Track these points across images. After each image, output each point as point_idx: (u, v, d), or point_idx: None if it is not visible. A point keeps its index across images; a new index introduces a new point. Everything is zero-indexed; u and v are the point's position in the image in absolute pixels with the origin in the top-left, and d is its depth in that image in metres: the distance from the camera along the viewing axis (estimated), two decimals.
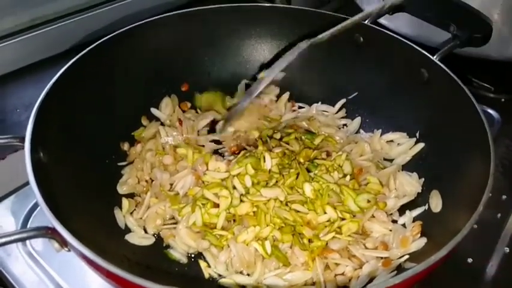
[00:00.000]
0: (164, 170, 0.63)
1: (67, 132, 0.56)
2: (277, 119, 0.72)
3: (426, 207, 0.57)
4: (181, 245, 0.55)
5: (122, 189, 0.61)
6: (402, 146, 0.65)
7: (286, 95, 0.75)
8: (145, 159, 0.64)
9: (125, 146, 0.65)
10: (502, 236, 0.60)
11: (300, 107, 0.74)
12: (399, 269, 0.50)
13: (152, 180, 0.62)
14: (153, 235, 0.57)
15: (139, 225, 0.57)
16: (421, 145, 0.63)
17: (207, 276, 0.53)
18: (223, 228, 0.56)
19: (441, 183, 0.57)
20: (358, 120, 0.71)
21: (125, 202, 0.59)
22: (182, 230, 0.55)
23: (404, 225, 0.57)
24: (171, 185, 0.62)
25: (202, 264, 0.54)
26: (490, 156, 0.48)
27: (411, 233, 0.53)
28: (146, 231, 0.57)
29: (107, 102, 0.63)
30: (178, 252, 0.55)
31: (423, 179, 0.60)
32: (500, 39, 0.71)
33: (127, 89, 0.66)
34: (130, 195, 0.61)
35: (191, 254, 0.56)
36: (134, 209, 0.59)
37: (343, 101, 0.72)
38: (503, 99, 0.81)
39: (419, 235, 0.53)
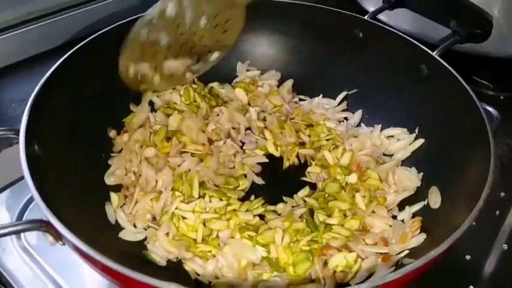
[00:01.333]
0: (150, 164, 0.60)
1: (62, 126, 0.56)
2: (278, 105, 0.70)
3: (425, 202, 0.57)
4: (161, 250, 0.52)
5: (109, 180, 0.59)
6: (402, 141, 0.64)
7: (290, 82, 0.73)
8: (133, 150, 0.61)
9: (112, 133, 0.63)
10: (500, 233, 0.59)
11: (300, 99, 0.73)
12: (398, 264, 0.50)
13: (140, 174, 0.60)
14: (145, 229, 0.55)
15: (129, 220, 0.55)
16: (421, 141, 0.63)
17: (193, 277, 0.51)
18: (204, 239, 0.53)
19: (440, 179, 0.57)
20: (359, 113, 0.70)
21: (114, 197, 0.57)
22: (162, 237, 0.52)
23: (403, 221, 0.56)
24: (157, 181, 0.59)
25: (188, 268, 0.51)
26: (490, 152, 0.48)
27: (410, 229, 0.53)
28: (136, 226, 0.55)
29: (102, 96, 0.63)
30: (158, 256, 0.52)
31: (422, 173, 0.60)
32: (500, 36, 0.71)
33: (122, 82, 0.65)
34: (119, 187, 0.59)
35: (173, 259, 0.52)
36: (124, 204, 0.57)
37: (344, 93, 0.72)
38: (502, 97, 0.81)
39: (419, 231, 0.53)
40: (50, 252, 0.54)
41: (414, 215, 0.56)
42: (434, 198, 0.56)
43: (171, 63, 0.58)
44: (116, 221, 0.55)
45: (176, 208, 0.55)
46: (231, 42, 0.60)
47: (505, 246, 0.58)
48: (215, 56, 0.61)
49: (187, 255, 0.51)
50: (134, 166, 0.60)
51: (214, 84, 0.73)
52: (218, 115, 0.67)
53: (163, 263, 0.52)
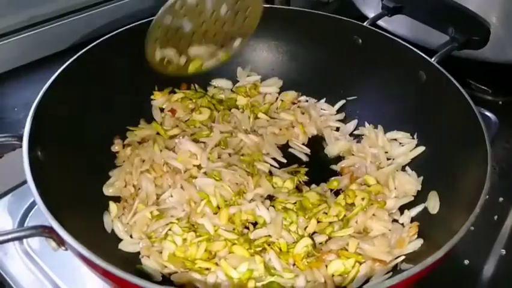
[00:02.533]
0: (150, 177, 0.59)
1: (65, 132, 0.56)
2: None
3: (425, 205, 0.57)
4: (156, 265, 0.51)
5: (108, 190, 0.58)
6: (403, 147, 0.65)
7: (293, 93, 0.74)
8: (134, 163, 0.61)
9: (116, 147, 0.63)
10: (499, 238, 0.60)
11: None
12: (396, 270, 0.50)
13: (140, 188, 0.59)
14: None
15: (125, 231, 0.54)
16: (421, 148, 0.63)
17: None
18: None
19: (439, 184, 0.57)
20: (354, 123, 0.71)
21: (113, 206, 0.56)
22: (157, 254, 0.52)
23: (403, 224, 0.57)
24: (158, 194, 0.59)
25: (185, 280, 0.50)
26: (487, 158, 0.48)
27: (407, 234, 0.53)
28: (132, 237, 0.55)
29: (106, 102, 0.63)
30: (153, 271, 0.51)
31: (422, 177, 0.60)
32: (498, 42, 0.72)
33: (126, 88, 0.66)
34: (118, 198, 0.59)
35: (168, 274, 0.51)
36: (123, 214, 0.57)
37: (342, 102, 0.72)
38: (500, 102, 0.81)
39: (416, 236, 0.53)
40: (52, 256, 0.54)
41: (413, 220, 0.57)
42: (433, 204, 0.56)
43: (196, 49, 0.60)
44: (109, 231, 0.54)
45: (170, 230, 0.54)
46: (252, 29, 0.62)
47: (503, 251, 0.58)
48: (237, 42, 0.62)
49: (184, 278, 0.50)
50: (134, 180, 0.60)
51: (215, 90, 0.74)
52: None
53: (158, 278, 0.50)
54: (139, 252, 0.53)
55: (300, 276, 0.50)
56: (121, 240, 0.54)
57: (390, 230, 0.55)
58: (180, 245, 0.52)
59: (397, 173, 0.62)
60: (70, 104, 0.58)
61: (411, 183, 0.60)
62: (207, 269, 0.51)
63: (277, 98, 0.74)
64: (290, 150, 0.68)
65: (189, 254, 0.52)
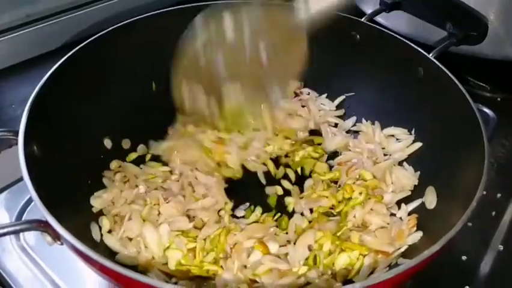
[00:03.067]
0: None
1: (61, 127, 0.56)
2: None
3: (423, 199, 0.57)
4: (158, 273, 0.49)
5: (95, 202, 0.55)
6: (400, 143, 0.65)
7: (294, 83, 0.71)
8: (123, 191, 0.58)
9: (113, 165, 0.61)
10: (496, 234, 0.60)
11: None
12: (392, 264, 0.50)
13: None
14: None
15: (121, 245, 0.52)
16: (418, 144, 0.63)
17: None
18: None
19: (436, 179, 0.57)
20: (352, 120, 0.71)
21: (105, 221, 0.54)
22: (159, 266, 0.50)
23: (401, 218, 0.57)
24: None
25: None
26: (484, 154, 0.48)
27: (406, 226, 0.53)
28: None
29: (102, 98, 0.63)
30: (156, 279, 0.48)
31: (419, 172, 0.61)
32: (495, 38, 0.72)
33: (122, 84, 0.65)
34: None
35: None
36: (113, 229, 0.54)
37: (342, 97, 0.72)
38: (499, 98, 0.81)
39: (415, 228, 0.53)
40: (48, 252, 0.54)
41: (410, 214, 0.57)
42: (430, 199, 0.56)
43: (229, 87, 0.48)
44: (97, 240, 0.52)
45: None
46: (297, 70, 0.51)
47: (501, 247, 0.58)
48: (277, 93, 0.52)
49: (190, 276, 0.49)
50: (122, 200, 0.56)
51: None
52: None
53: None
54: None
55: (312, 269, 0.50)
56: (115, 259, 0.51)
57: (388, 224, 0.55)
58: (186, 253, 0.51)
59: (394, 168, 0.62)
60: (66, 100, 0.58)
61: (408, 177, 0.60)
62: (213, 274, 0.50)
63: None
64: None
65: (196, 261, 0.50)
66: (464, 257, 0.57)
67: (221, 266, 0.50)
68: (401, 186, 0.60)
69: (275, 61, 0.49)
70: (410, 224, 0.54)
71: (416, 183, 0.60)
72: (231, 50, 0.47)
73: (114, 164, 0.62)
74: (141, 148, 0.66)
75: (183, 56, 0.48)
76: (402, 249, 0.51)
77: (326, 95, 0.74)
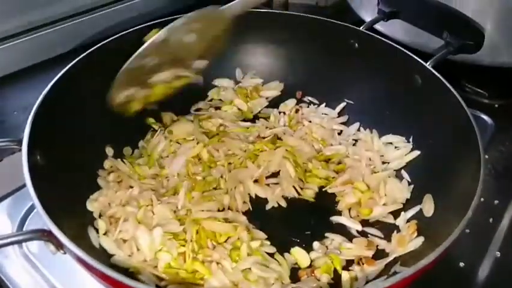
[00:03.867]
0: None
1: (65, 136, 0.56)
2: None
3: (420, 206, 0.58)
4: (150, 276, 0.50)
5: (91, 206, 0.56)
6: (398, 151, 0.65)
7: (292, 101, 0.74)
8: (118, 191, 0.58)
9: (107, 165, 0.62)
10: (494, 241, 0.60)
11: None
12: (390, 274, 0.50)
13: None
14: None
15: (117, 246, 0.52)
16: (416, 153, 0.64)
17: None
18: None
19: (433, 187, 0.58)
20: (356, 126, 0.71)
21: (101, 223, 0.54)
22: (150, 269, 0.50)
23: (398, 228, 0.58)
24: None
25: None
26: (480, 162, 0.49)
27: (407, 232, 0.54)
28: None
29: (106, 106, 0.63)
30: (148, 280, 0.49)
31: (412, 186, 0.61)
32: (492, 47, 0.72)
33: None
34: None
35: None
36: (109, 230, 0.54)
37: (343, 104, 0.73)
38: (496, 105, 0.82)
39: (416, 234, 0.54)
40: (51, 260, 0.53)
41: (409, 221, 0.57)
42: (427, 207, 0.57)
43: (158, 76, 0.58)
44: (97, 246, 0.52)
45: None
46: (217, 52, 0.61)
47: (498, 254, 0.58)
48: (202, 63, 0.61)
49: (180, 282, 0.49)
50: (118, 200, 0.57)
51: (215, 91, 0.75)
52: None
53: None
54: None
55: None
56: (110, 261, 0.52)
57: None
58: (175, 256, 0.52)
59: (389, 180, 0.63)
60: (70, 108, 0.58)
61: (401, 190, 0.61)
62: (201, 278, 0.50)
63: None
64: None
65: (186, 266, 0.51)
66: (461, 264, 0.57)
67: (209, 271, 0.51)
68: (394, 198, 0.60)
69: (199, 45, 0.58)
70: (410, 230, 0.54)
71: (408, 197, 0.60)
72: (160, 49, 0.56)
73: (108, 164, 0.62)
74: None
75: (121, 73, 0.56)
76: (391, 258, 0.52)
77: (324, 104, 0.74)
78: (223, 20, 0.57)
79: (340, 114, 0.73)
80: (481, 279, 0.56)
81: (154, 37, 0.55)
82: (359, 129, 0.71)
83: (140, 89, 0.58)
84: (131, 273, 0.38)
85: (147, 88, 0.58)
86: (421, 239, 0.52)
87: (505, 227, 0.62)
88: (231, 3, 0.58)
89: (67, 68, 0.58)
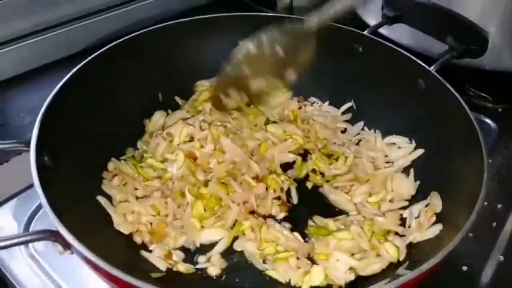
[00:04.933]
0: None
1: (72, 137, 0.57)
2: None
3: (427, 201, 0.58)
4: (162, 251, 0.54)
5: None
6: (403, 150, 0.66)
7: (294, 102, 0.74)
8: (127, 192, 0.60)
9: (110, 166, 0.62)
10: (497, 245, 0.60)
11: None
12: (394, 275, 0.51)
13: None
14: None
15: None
16: (421, 151, 0.64)
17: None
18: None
19: (438, 190, 0.58)
20: (360, 125, 0.72)
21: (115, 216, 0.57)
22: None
23: (405, 221, 0.58)
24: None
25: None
26: (483, 166, 0.49)
27: (425, 217, 0.54)
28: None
29: (113, 108, 0.64)
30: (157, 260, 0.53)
31: (418, 182, 0.62)
32: (496, 51, 0.72)
33: (135, 94, 0.67)
34: None
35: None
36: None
37: (349, 104, 0.73)
38: (500, 109, 0.81)
39: (434, 218, 0.54)
40: (57, 260, 0.54)
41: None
42: (435, 202, 0.57)
43: (257, 82, 0.64)
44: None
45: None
46: (306, 64, 0.65)
47: (502, 258, 0.59)
48: (293, 77, 0.65)
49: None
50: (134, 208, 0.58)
51: None
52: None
53: (163, 268, 0.52)
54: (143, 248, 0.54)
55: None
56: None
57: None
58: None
59: (395, 175, 0.63)
60: (78, 110, 0.59)
61: (407, 186, 0.61)
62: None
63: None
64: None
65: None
66: (464, 267, 0.57)
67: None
68: (400, 194, 0.61)
69: (290, 58, 0.63)
70: (428, 214, 0.55)
71: (414, 193, 0.61)
72: (258, 62, 0.62)
73: (111, 166, 0.62)
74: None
75: (228, 69, 0.62)
76: (409, 240, 0.53)
77: (328, 102, 0.75)
78: (305, 36, 0.61)
79: (344, 113, 0.74)
80: (484, 283, 0.56)
81: (245, 48, 0.62)
82: (363, 129, 0.71)
83: (237, 93, 0.64)
84: (139, 273, 0.38)
85: (244, 93, 0.64)
86: (439, 227, 0.52)
87: (508, 231, 0.62)
88: (310, 18, 0.61)
89: (76, 69, 0.59)
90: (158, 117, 0.70)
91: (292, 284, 0.52)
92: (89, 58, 0.61)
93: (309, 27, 0.60)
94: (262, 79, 0.63)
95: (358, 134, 0.71)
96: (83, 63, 0.60)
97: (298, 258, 0.53)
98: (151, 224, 0.57)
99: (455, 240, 0.42)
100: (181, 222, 0.57)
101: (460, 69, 0.73)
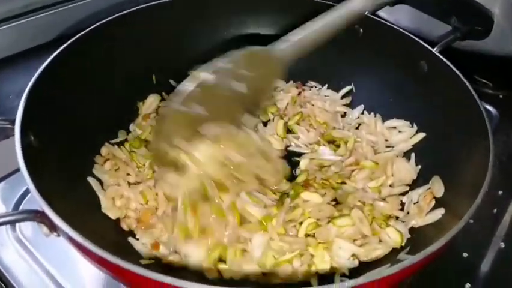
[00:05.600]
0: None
1: (58, 117, 0.55)
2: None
3: (429, 185, 0.57)
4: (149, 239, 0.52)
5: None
6: (404, 134, 0.65)
7: (292, 86, 0.72)
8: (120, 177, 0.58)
9: (104, 151, 0.61)
10: (498, 231, 0.60)
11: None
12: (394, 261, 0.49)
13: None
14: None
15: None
16: (422, 134, 0.63)
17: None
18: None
19: (440, 175, 0.56)
20: (360, 108, 0.70)
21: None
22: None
23: (403, 206, 0.57)
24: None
25: None
26: (489, 149, 0.48)
27: (424, 202, 0.53)
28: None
29: (98, 89, 0.62)
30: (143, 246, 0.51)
31: (419, 167, 0.60)
32: (501, 34, 0.71)
33: (120, 75, 0.65)
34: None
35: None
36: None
37: (348, 88, 0.72)
38: (501, 96, 0.81)
39: (434, 202, 0.53)
40: (45, 244, 0.54)
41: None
42: (437, 187, 0.55)
43: (207, 128, 0.52)
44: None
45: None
46: (264, 104, 0.60)
47: (502, 244, 0.58)
48: (253, 121, 0.56)
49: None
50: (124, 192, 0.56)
51: None
52: None
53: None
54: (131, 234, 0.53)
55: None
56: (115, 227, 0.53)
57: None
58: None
59: (396, 159, 0.62)
60: (63, 90, 0.57)
61: (408, 170, 0.60)
62: None
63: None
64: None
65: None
66: (465, 254, 0.57)
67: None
68: (400, 179, 0.60)
69: (249, 92, 0.54)
70: (427, 199, 0.54)
71: (415, 178, 0.59)
72: (211, 96, 0.52)
73: (105, 150, 0.61)
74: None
75: (165, 116, 0.53)
76: (410, 225, 0.52)
77: (326, 85, 0.74)
78: (274, 63, 0.54)
79: (343, 97, 0.73)
80: (484, 269, 0.56)
81: (201, 78, 0.51)
82: (362, 113, 0.70)
83: (184, 142, 0.51)
84: (127, 257, 0.37)
85: (193, 141, 0.51)
86: (441, 211, 0.51)
87: (509, 218, 0.61)
88: (285, 43, 0.54)
89: (60, 49, 0.57)
90: (152, 100, 0.69)
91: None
92: (73, 39, 0.59)
93: (282, 54, 0.53)
94: (215, 124, 0.52)
95: (358, 118, 0.70)
96: (67, 43, 0.58)
97: (302, 255, 0.50)
98: (139, 211, 0.55)
99: (459, 224, 0.41)
100: (171, 220, 0.53)
101: (461, 55, 0.71)
